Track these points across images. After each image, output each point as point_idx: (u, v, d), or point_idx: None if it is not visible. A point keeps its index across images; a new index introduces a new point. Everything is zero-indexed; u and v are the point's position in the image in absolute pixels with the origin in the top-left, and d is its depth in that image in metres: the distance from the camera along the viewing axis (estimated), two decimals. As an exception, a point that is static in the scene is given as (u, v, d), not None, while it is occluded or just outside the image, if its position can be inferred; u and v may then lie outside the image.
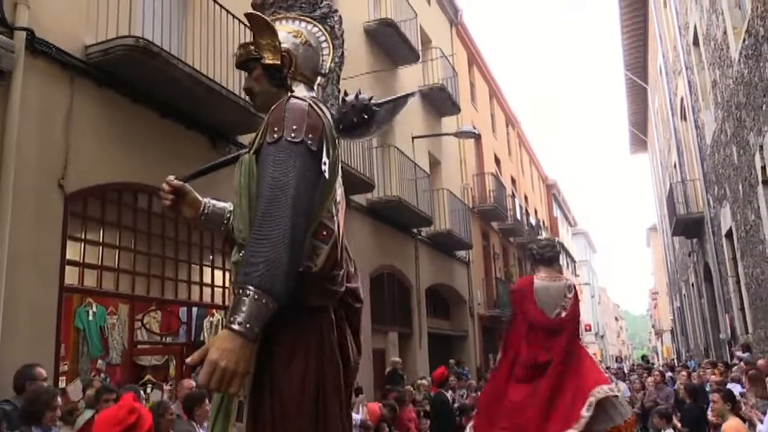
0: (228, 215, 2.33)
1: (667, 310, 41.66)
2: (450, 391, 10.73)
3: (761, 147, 8.55)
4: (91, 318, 7.52)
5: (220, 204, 2.38)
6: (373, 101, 2.36)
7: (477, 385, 13.36)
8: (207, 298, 8.32)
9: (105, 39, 6.40)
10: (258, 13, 2.16)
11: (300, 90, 2.15)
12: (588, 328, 42.14)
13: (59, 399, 4.52)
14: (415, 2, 15.36)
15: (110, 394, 5.05)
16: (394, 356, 12.74)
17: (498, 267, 22.38)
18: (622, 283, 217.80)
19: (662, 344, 49.59)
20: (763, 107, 8.22)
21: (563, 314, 4.99)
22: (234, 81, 7.33)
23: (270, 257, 1.74)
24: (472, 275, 18.74)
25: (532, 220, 27.70)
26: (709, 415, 6.84)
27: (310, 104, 2.00)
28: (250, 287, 1.72)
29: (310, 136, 1.92)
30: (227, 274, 8.07)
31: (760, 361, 7.71)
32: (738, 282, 11.92)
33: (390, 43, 13.83)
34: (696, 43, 12.97)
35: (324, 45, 2.30)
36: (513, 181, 26.50)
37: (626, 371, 20.02)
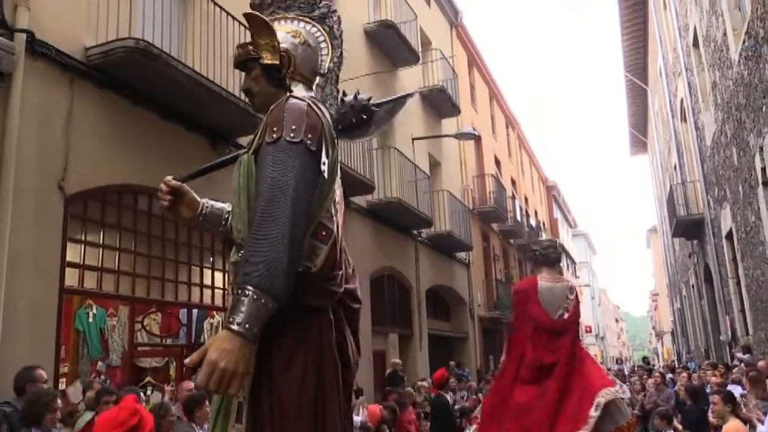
0: (226, 216, 2.33)
1: (668, 312, 41.63)
2: (450, 393, 10.73)
3: (761, 148, 8.55)
4: (91, 320, 7.50)
5: (219, 204, 2.37)
6: (371, 101, 2.36)
7: (477, 386, 13.36)
8: (207, 300, 8.32)
9: (105, 41, 6.41)
10: (256, 13, 2.15)
11: (299, 90, 2.14)
12: (588, 330, 42.09)
13: (59, 401, 4.52)
14: (415, 4, 15.38)
15: (110, 396, 5.06)
16: (395, 358, 12.73)
17: (498, 268, 22.37)
18: (622, 285, 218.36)
19: (663, 346, 49.58)
20: (763, 108, 8.22)
21: (566, 315, 4.99)
22: (234, 83, 7.33)
23: (269, 257, 1.72)
24: (473, 277, 18.73)
25: (533, 222, 27.70)
26: (710, 416, 6.83)
27: (309, 104, 1.99)
28: (249, 287, 1.70)
29: (309, 135, 1.91)
30: (227, 276, 8.07)
31: (761, 363, 7.70)
32: (738, 283, 11.91)
33: (390, 45, 13.84)
34: (696, 44, 12.98)
35: (323, 45, 2.29)
36: (513, 182, 26.50)
37: (627, 373, 19.96)
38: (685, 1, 13.60)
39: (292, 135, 1.89)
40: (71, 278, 6.27)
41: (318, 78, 2.26)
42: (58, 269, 5.92)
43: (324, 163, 1.96)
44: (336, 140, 2.08)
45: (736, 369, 8.89)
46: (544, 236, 26.97)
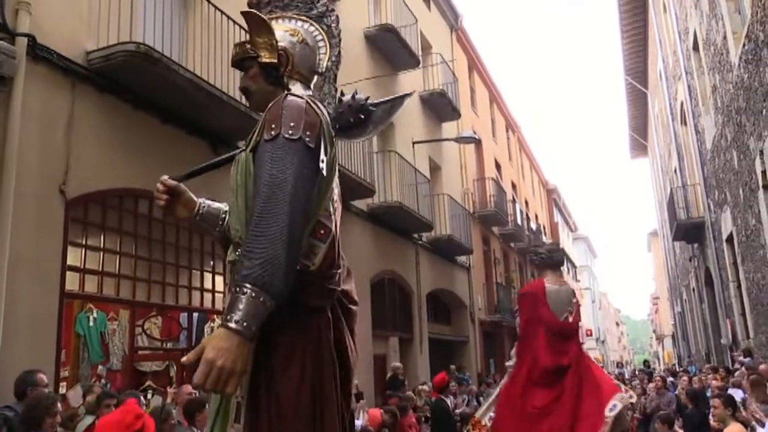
0: (223, 215, 2.31)
1: (668, 315, 41.55)
2: (451, 397, 10.70)
3: (761, 152, 8.56)
4: (91, 324, 7.49)
5: (216, 204, 2.36)
6: (369, 101, 2.36)
7: (478, 390, 13.32)
8: (208, 304, 8.31)
9: (106, 45, 6.43)
10: (254, 11, 2.15)
11: (297, 89, 2.13)
12: (589, 333, 42.01)
13: (59, 405, 4.51)
14: (415, 8, 15.42)
15: (111, 400, 5.06)
16: (395, 361, 12.70)
17: (499, 272, 22.35)
18: (622, 288, 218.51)
19: (663, 349, 49.49)
20: (763, 112, 8.23)
21: (570, 318, 5.00)
22: (235, 87, 7.31)
23: (268, 254, 1.70)
24: (473, 280, 18.71)
25: (533, 225, 27.70)
26: (711, 420, 6.82)
27: (307, 102, 1.98)
28: (248, 285, 1.67)
29: (307, 133, 1.90)
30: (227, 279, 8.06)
31: (762, 366, 7.69)
32: (739, 287, 11.90)
33: (390, 49, 13.86)
34: (696, 48, 13.00)
35: (321, 44, 2.28)
36: (513, 186, 26.50)
37: (627, 376, 19.93)
38: (685, 5, 13.63)
39: (290, 132, 1.87)
40: (72, 282, 6.28)
41: (316, 77, 2.26)
42: (59, 273, 5.92)
43: (322, 161, 1.94)
44: (334, 138, 2.08)
45: (737, 372, 8.86)
46: (544, 240, 26.98)
